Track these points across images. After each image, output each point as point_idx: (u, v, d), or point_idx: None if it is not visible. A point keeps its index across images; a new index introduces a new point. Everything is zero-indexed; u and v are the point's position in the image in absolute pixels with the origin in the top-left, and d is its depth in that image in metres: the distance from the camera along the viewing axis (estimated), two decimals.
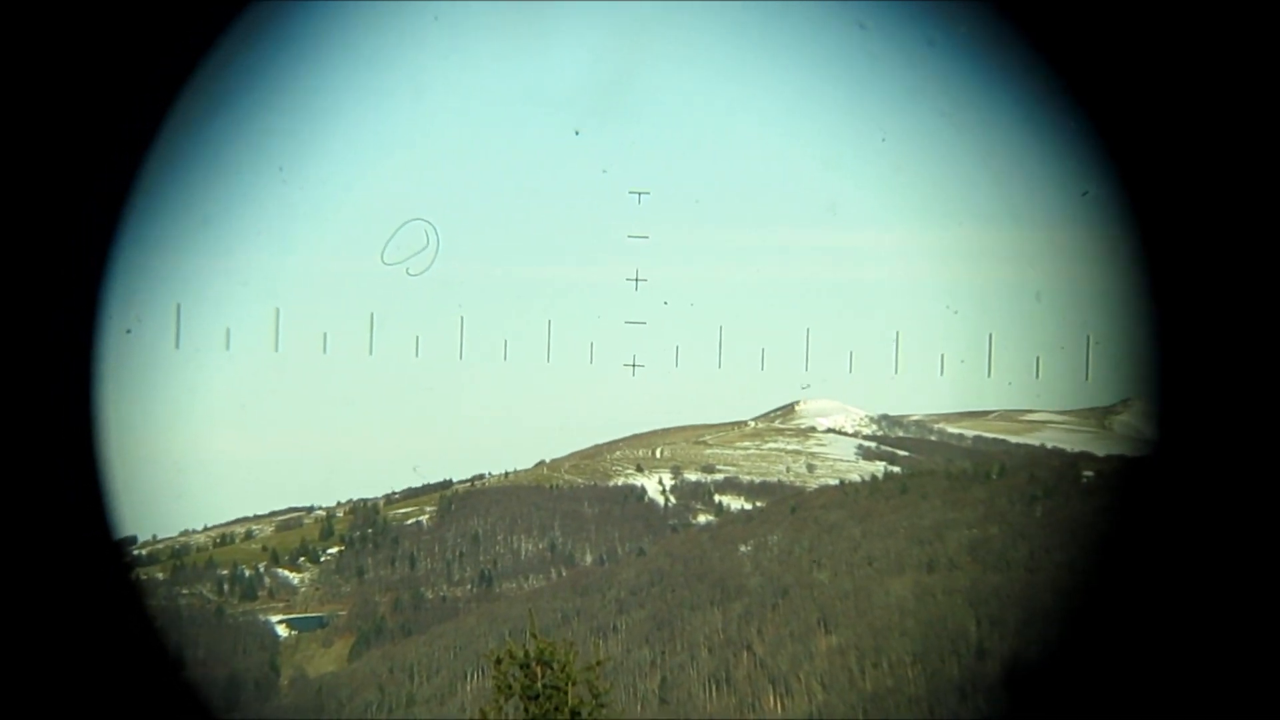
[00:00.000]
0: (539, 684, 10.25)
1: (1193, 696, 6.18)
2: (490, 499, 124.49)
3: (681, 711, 67.46)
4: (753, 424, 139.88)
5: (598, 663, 10.47)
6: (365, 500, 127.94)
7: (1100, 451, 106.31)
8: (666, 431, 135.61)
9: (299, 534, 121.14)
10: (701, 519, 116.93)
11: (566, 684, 10.14)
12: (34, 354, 6.06)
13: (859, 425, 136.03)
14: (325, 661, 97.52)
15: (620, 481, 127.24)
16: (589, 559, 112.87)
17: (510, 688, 10.28)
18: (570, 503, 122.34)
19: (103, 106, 6.33)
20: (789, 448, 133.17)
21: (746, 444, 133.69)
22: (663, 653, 78.73)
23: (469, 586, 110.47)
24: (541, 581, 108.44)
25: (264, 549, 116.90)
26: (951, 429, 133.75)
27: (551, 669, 10.31)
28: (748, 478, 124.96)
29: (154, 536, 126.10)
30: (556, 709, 10.02)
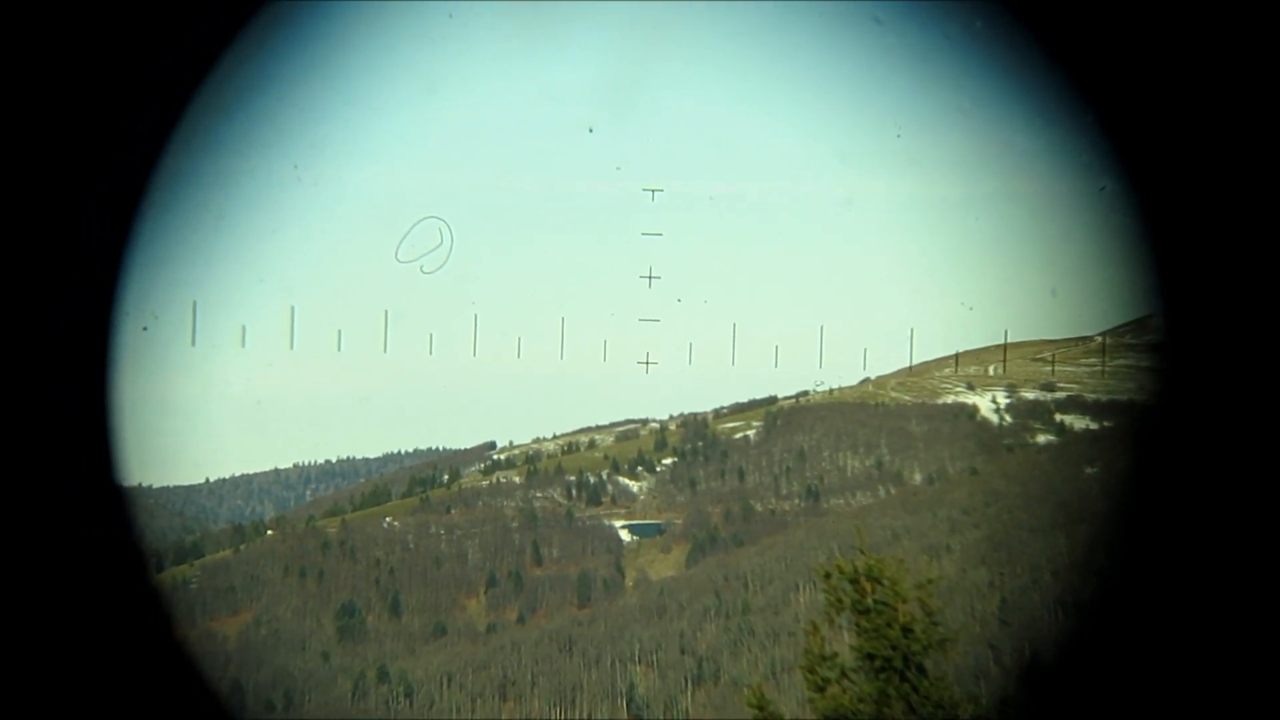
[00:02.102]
0: (869, 599, 10.36)
1: None
2: (815, 415, 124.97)
3: (1024, 634, 65.06)
4: (1099, 339, 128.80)
5: (929, 580, 10.39)
6: (695, 414, 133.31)
7: None
8: (1000, 348, 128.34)
9: (635, 445, 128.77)
10: (1040, 439, 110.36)
11: (896, 601, 10.17)
12: (49, 352, 6.01)
13: None
14: (664, 566, 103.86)
15: (950, 399, 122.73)
16: (918, 477, 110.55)
17: (841, 602, 10.47)
18: (897, 420, 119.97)
19: (118, 104, 6.27)
20: (1143, 364, 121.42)
21: (1092, 360, 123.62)
22: (1001, 574, 75.95)
23: (796, 501, 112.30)
24: (869, 498, 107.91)
25: (605, 457, 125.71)
26: None
27: (881, 585, 10.37)
28: (1094, 396, 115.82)
29: (510, 443, 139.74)
30: (888, 624, 10.10)
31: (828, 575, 10.56)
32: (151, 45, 6.43)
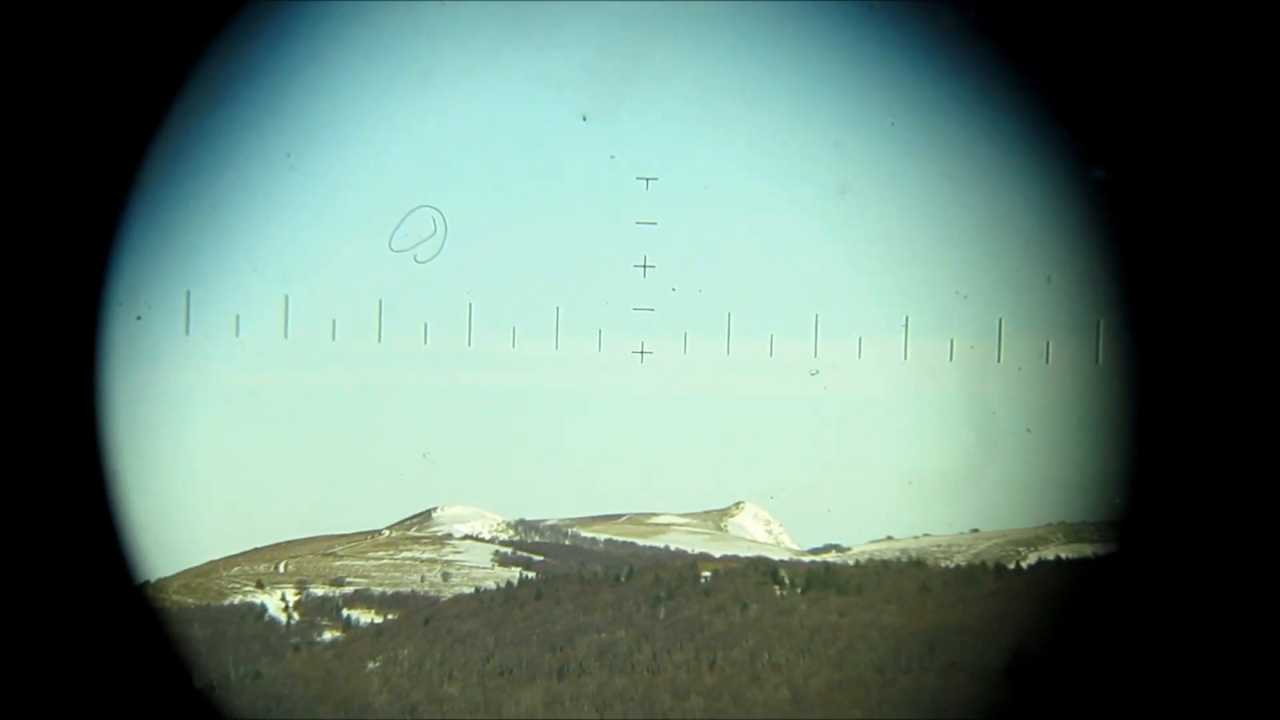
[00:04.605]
0: None
1: None
2: None
3: None
4: (387, 533, 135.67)
5: None
6: None
7: (716, 552, 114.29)
8: (292, 544, 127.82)
9: None
10: (328, 635, 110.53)
11: None
12: (43, 341, 6.54)
13: (496, 531, 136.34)
14: None
15: (237, 600, 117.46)
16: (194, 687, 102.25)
17: None
18: (177, 626, 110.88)
19: (112, 93, 6.81)
20: (424, 556, 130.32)
21: (380, 554, 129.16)
22: None
23: None
24: None
25: None
26: (585, 533, 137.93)
27: None
28: (380, 589, 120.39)
29: None
30: None
31: None
32: (145, 34, 7.28)
